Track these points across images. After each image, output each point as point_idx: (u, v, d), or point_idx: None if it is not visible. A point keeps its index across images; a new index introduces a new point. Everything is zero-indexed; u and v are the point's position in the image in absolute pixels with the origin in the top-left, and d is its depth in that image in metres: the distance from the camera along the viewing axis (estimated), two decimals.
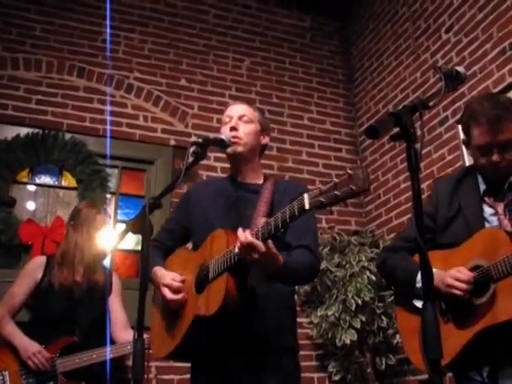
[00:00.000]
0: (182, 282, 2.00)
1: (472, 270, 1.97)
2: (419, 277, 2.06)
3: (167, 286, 2.00)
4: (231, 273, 1.83)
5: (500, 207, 2.08)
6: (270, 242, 1.78)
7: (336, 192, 1.48)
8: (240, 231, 1.79)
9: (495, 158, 2.03)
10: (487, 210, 2.10)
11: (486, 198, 2.12)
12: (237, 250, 1.79)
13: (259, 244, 1.74)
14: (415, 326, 2.06)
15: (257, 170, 2.28)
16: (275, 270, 1.85)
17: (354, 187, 1.43)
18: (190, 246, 2.30)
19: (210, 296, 1.87)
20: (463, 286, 1.92)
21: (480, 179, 2.16)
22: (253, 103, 2.56)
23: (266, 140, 2.30)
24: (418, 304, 2.12)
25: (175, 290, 1.98)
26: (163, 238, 2.30)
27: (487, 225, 2.07)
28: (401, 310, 2.25)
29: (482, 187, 2.14)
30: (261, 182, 2.24)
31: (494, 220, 2.07)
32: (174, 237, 2.29)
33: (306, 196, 1.58)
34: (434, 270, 1.94)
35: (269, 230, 1.73)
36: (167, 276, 2.03)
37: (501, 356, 1.92)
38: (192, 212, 2.25)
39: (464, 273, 1.94)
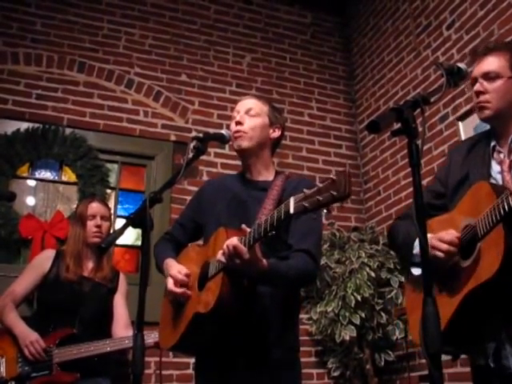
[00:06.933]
0: (187, 275, 2.01)
1: (463, 229, 1.80)
2: (417, 242, 1.89)
3: (172, 277, 2.01)
4: (227, 272, 1.83)
5: (505, 164, 1.92)
6: (256, 247, 1.79)
7: (318, 197, 1.49)
8: (229, 240, 1.79)
9: (477, 86, 1.96)
10: (495, 168, 1.94)
11: (495, 155, 1.97)
12: (219, 255, 1.82)
13: (243, 251, 1.75)
14: (418, 299, 1.98)
15: (267, 166, 2.23)
16: (258, 276, 1.84)
17: (334, 193, 1.45)
18: (201, 242, 2.29)
19: (207, 294, 1.89)
20: (444, 246, 1.76)
21: (492, 135, 2.01)
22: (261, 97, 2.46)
23: (276, 134, 2.24)
24: (415, 272, 2.01)
25: (178, 283, 1.99)
26: (176, 232, 2.30)
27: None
28: (408, 285, 2.11)
29: (493, 143, 1.98)
30: (271, 178, 2.19)
31: (499, 178, 1.90)
32: (186, 232, 2.29)
33: (291, 200, 1.59)
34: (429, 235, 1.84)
35: (258, 232, 1.74)
36: (175, 267, 2.04)
37: (502, 332, 1.77)
38: (203, 209, 2.24)
39: (449, 233, 1.78)
